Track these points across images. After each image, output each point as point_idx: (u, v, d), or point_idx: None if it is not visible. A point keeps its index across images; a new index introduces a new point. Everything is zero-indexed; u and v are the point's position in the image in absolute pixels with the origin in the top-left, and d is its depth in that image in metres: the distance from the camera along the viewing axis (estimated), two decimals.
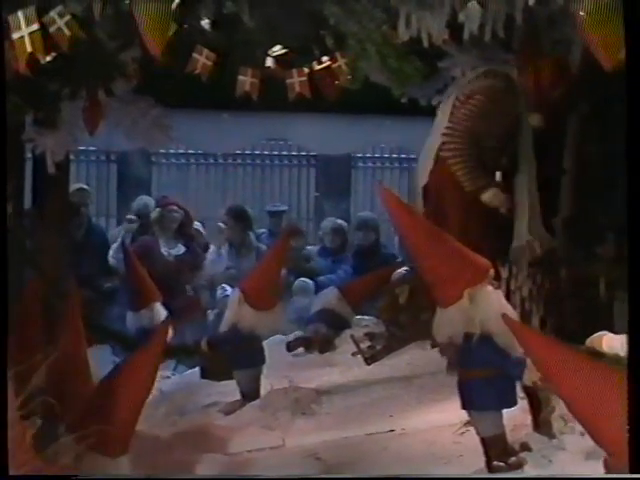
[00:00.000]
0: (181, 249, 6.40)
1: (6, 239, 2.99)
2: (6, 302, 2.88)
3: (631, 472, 2.66)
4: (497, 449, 3.13)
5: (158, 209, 6.56)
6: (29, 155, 4.70)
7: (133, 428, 3.14)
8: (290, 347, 4.96)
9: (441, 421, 3.74)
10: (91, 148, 8.44)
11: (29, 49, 3.34)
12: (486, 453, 3.16)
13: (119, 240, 6.30)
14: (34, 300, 3.79)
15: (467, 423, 3.38)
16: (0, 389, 2.80)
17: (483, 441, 3.17)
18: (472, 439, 3.24)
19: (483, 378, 3.12)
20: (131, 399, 3.10)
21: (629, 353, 2.73)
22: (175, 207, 6.53)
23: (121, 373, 3.18)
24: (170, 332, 4.81)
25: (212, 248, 6.60)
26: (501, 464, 3.11)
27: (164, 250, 6.33)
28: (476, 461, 3.18)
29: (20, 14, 3.35)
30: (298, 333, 5.23)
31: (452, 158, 4.28)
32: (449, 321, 3.11)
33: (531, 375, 3.13)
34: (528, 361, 3.08)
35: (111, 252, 6.39)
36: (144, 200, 7.00)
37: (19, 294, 3.90)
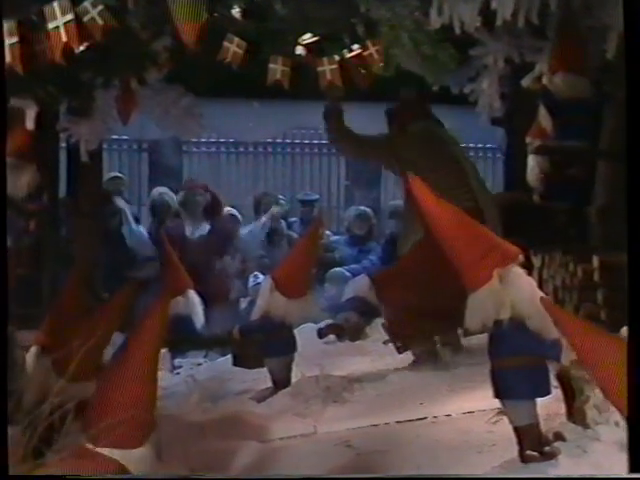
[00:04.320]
0: (205, 229, 6.40)
1: (5, 238, 3.02)
2: (6, 301, 2.91)
3: (631, 472, 2.64)
4: (531, 438, 3.10)
5: (182, 192, 6.57)
6: (63, 145, 4.73)
7: (148, 418, 3.00)
8: (321, 334, 4.95)
9: (473, 409, 3.72)
10: (123, 137, 8.49)
11: (64, 39, 3.37)
12: (519, 442, 3.13)
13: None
14: (72, 289, 3.82)
15: (500, 412, 3.36)
16: (0, 389, 2.83)
17: (516, 430, 3.14)
18: (505, 428, 3.21)
19: (516, 367, 3.09)
20: (133, 389, 2.94)
21: (629, 353, 2.72)
22: (200, 190, 6.52)
23: (120, 361, 3.09)
24: (201, 319, 4.86)
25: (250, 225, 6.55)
26: (534, 454, 3.09)
27: (188, 231, 6.34)
28: (509, 450, 3.16)
29: (55, 4, 3.38)
30: (329, 321, 5.23)
31: None
32: (480, 305, 3.09)
33: (568, 356, 3.10)
34: (564, 342, 3.04)
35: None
36: (159, 190, 7.00)
37: (62, 283, 3.94)
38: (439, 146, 4.74)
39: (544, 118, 4.14)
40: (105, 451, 2.82)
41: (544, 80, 4.06)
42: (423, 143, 4.69)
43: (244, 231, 6.61)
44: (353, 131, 4.90)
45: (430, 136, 4.74)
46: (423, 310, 4.50)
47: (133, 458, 2.85)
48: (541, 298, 2.97)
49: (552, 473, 3.06)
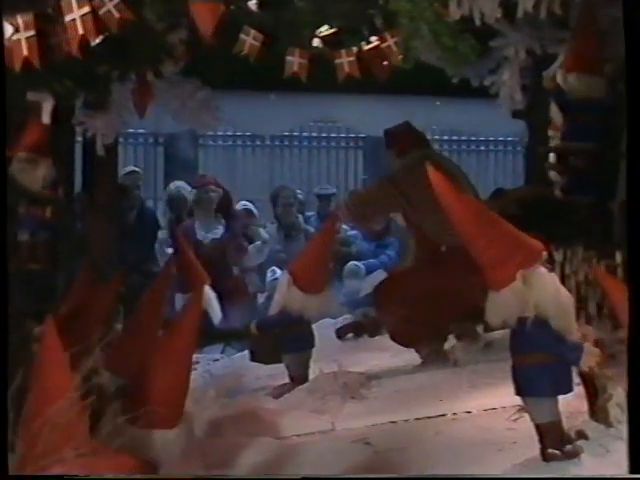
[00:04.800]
0: (219, 232, 6.35)
1: (6, 234, 3.02)
2: (6, 301, 2.90)
3: (631, 472, 2.59)
4: (552, 437, 3.07)
5: (195, 190, 6.52)
6: (79, 139, 4.72)
7: (181, 402, 3.19)
8: (340, 334, 4.95)
9: (494, 406, 3.69)
10: (139, 131, 8.49)
11: (81, 32, 3.36)
12: (541, 440, 3.10)
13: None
14: (87, 284, 3.82)
15: (521, 409, 3.33)
16: (0, 389, 2.82)
17: (538, 428, 3.11)
18: (526, 425, 3.18)
19: (538, 363, 3.06)
20: (171, 376, 3.16)
21: (629, 353, 2.67)
22: (212, 186, 6.47)
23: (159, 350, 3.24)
24: (219, 314, 4.85)
25: (257, 243, 6.51)
26: (556, 452, 3.06)
27: (199, 235, 6.28)
28: (530, 448, 3.13)
29: None
30: (347, 317, 5.21)
31: None
32: (502, 304, 3.07)
33: (588, 360, 3.07)
34: (585, 345, 3.01)
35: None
36: (176, 184, 6.97)
37: (73, 279, 3.94)
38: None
39: (556, 116, 4.09)
40: (143, 432, 3.01)
41: (558, 78, 4.01)
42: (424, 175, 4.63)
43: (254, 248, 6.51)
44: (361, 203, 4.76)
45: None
46: (423, 310, 4.49)
47: (169, 438, 3.10)
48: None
49: (574, 472, 3.02)
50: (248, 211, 6.84)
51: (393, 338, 4.70)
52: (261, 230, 6.64)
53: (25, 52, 3.42)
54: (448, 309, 4.51)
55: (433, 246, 4.57)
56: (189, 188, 6.72)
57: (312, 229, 6.81)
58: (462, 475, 3.21)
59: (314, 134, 9.40)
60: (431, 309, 4.50)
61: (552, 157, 4.20)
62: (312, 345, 4.57)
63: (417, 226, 4.64)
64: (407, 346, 4.67)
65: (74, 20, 3.40)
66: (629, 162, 2.65)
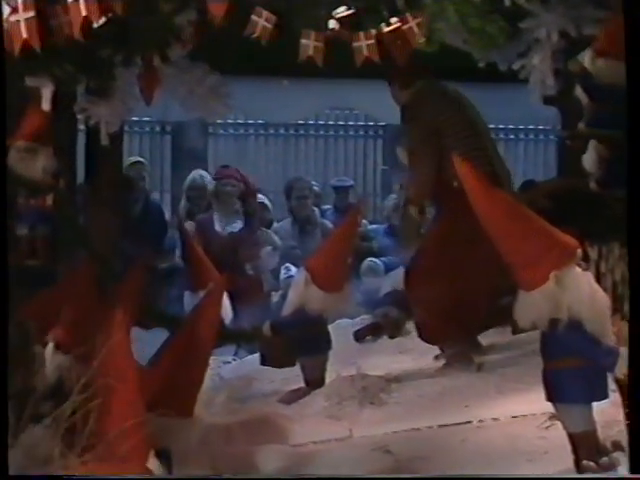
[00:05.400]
0: (237, 226, 6.36)
1: (6, 231, 3.02)
2: (6, 300, 2.91)
3: (631, 472, 2.57)
4: (587, 447, 3.05)
5: (214, 182, 6.53)
6: (81, 127, 4.73)
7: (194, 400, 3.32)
8: (358, 336, 4.93)
9: (524, 413, 3.67)
10: (145, 119, 8.50)
11: (84, 13, 3.36)
12: (575, 451, 3.08)
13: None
14: (88, 281, 3.83)
15: (553, 416, 3.31)
16: (0, 389, 2.84)
17: (571, 437, 3.09)
18: (558, 434, 3.16)
19: (571, 368, 3.04)
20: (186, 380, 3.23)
21: (629, 352, 2.64)
22: (233, 180, 6.48)
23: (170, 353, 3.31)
24: (230, 314, 4.85)
25: (268, 248, 6.50)
26: (591, 464, 3.04)
27: (218, 227, 6.30)
28: (563, 459, 3.11)
29: None
30: (365, 317, 5.20)
31: None
32: (533, 305, 3.05)
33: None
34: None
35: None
36: (199, 172, 6.97)
37: (72, 274, 3.95)
38: (451, 105, 4.69)
39: (583, 101, 4.06)
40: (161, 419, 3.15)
41: (586, 62, 3.97)
42: (435, 103, 4.67)
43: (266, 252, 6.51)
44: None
45: (439, 95, 4.71)
46: (455, 309, 4.47)
47: (186, 426, 3.28)
48: None
49: None
50: (261, 204, 6.83)
51: (422, 334, 4.66)
52: (272, 234, 6.63)
53: (24, 34, 3.42)
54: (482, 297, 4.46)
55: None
56: (210, 179, 6.71)
57: (329, 224, 6.80)
58: (462, 475, 3.20)
59: (330, 122, 9.38)
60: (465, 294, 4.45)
61: (587, 146, 4.16)
62: (329, 347, 4.56)
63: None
64: (434, 343, 4.63)
65: (77, 1, 3.40)
66: (629, 161, 2.62)
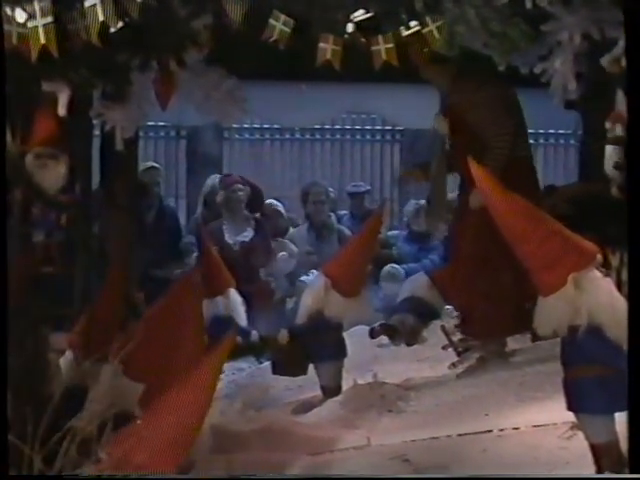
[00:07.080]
0: (248, 235, 6.38)
1: (6, 234, 3.06)
2: (6, 300, 2.94)
3: (631, 472, 2.58)
4: (610, 458, 3.03)
5: (222, 191, 6.55)
6: (96, 132, 4.77)
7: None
8: (373, 334, 4.91)
9: (545, 422, 3.67)
10: (160, 123, 8.54)
11: (101, 18, 3.40)
12: (597, 462, 3.07)
13: None
14: (111, 289, 3.87)
15: (574, 426, 3.31)
16: (0, 389, 2.87)
17: (593, 448, 3.08)
18: (580, 444, 3.16)
19: (592, 376, 3.04)
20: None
21: (629, 352, 2.64)
22: (239, 185, 6.51)
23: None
24: (244, 319, 4.87)
25: (283, 254, 6.53)
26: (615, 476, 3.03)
27: (228, 238, 6.31)
28: (584, 470, 3.10)
29: None
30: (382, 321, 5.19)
31: None
32: (552, 311, 3.04)
33: None
34: None
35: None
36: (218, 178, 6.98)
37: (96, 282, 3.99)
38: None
39: (622, 105, 4.05)
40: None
41: (623, 62, 3.96)
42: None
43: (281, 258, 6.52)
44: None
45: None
46: (491, 308, 4.48)
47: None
48: None
49: None
50: (276, 210, 6.86)
51: (464, 331, 4.64)
52: (288, 243, 6.65)
53: (42, 40, 3.46)
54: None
55: None
56: None
57: (346, 230, 6.81)
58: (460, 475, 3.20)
59: (347, 127, 9.38)
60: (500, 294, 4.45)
61: (609, 151, 4.16)
62: (345, 354, 4.58)
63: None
64: (477, 338, 4.63)
65: (94, 6, 3.43)
66: (629, 161, 2.62)
